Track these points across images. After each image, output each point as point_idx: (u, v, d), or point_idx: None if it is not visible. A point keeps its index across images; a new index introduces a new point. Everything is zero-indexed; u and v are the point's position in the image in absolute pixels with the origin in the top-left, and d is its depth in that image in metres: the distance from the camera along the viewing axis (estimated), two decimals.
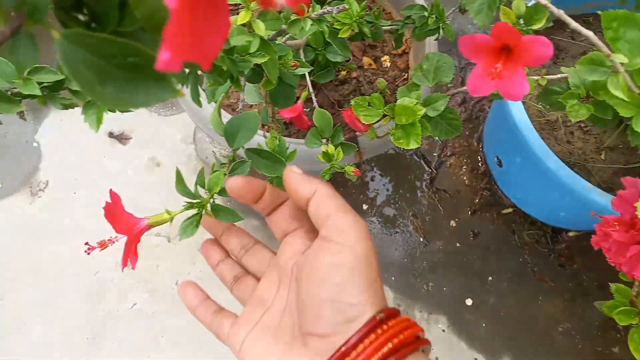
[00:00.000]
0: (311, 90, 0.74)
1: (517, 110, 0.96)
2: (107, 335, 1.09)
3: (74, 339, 1.08)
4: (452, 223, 1.24)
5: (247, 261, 0.45)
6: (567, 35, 1.15)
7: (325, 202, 0.36)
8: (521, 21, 0.44)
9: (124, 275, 1.13)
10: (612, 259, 0.65)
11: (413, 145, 0.65)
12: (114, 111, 0.44)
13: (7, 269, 1.10)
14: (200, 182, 0.42)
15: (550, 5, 0.40)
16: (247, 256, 0.45)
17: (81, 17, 0.22)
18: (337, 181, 1.25)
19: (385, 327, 0.33)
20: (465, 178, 1.29)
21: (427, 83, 0.69)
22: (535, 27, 0.43)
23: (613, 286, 0.71)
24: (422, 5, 0.76)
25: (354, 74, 0.97)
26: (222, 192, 0.43)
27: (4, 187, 1.18)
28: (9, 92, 0.38)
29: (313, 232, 0.40)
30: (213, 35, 0.17)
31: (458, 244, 1.22)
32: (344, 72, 0.96)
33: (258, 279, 0.44)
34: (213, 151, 1.26)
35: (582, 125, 1.04)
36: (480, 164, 1.30)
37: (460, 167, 1.31)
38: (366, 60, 0.98)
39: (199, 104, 0.36)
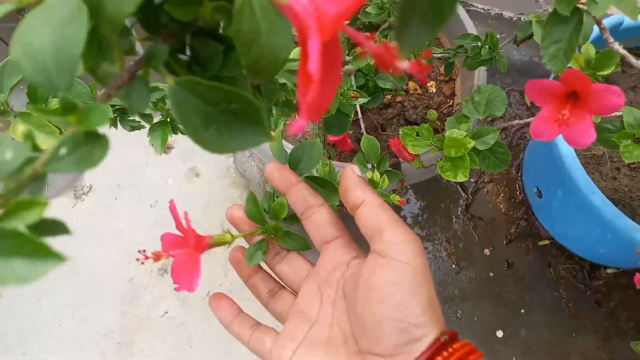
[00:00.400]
0: (360, 115, 0.75)
1: (563, 143, 0.94)
2: (137, 342, 1.10)
3: (105, 343, 1.10)
4: (486, 251, 1.22)
5: (281, 269, 0.43)
6: (618, 66, 1.13)
7: (376, 213, 0.35)
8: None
9: (158, 283, 1.14)
10: None
11: (461, 179, 0.64)
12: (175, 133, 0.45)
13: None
14: (268, 207, 0.43)
15: (628, 54, 0.40)
16: (282, 264, 0.43)
17: (183, 58, 0.23)
18: None
19: (450, 349, 0.32)
20: (502, 206, 1.27)
21: (478, 115, 0.69)
22: (605, 72, 0.43)
23: None
24: (476, 36, 0.76)
25: (399, 98, 0.97)
26: (289, 218, 0.43)
27: (50, 189, 1.21)
28: None
29: (353, 242, 0.40)
30: (331, 91, 0.18)
31: (491, 273, 1.20)
32: (388, 96, 0.96)
33: (294, 293, 0.43)
34: (260, 168, 1.27)
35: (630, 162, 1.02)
36: (518, 192, 1.28)
37: (497, 194, 1.29)
38: (412, 85, 0.98)
39: (271, 139, 0.37)
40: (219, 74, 0.22)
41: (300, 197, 0.40)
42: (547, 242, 1.23)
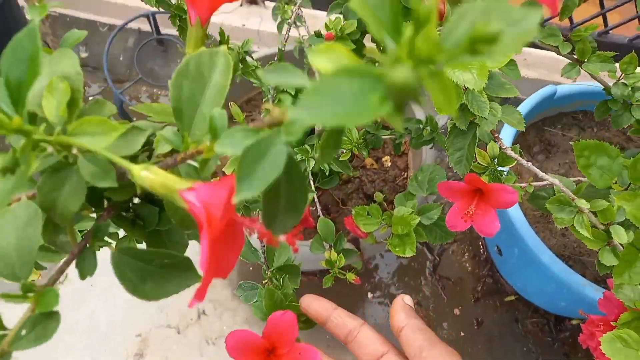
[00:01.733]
0: (315, 197, 0.80)
1: (512, 207, 1.01)
2: None
3: None
4: (456, 311, 1.26)
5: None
6: (558, 130, 1.22)
7: (416, 335, 0.40)
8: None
9: None
10: (598, 359, 0.68)
11: (409, 253, 0.70)
12: None
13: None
14: None
15: (519, 158, 0.47)
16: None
17: (127, 215, 0.28)
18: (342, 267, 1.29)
19: None
20: (467, 265, 1.33)
21: (421, 193, 0.75)
22: (507, 166, 0.49)
23: None
24: (418, 119, 0.83)
25: (357, 174, 1.04)
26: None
27: None
28: None
29: (402, 354, 0.43)
30: (233, 255, 0.23)
31: (462, 333, 1.24)
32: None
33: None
34: None
35: None
36: (481, 251, 1.34)
37: (462, 254, 1.34)
38: (368, 160, 1.05)
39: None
40: (157, 228, 0.27)
41: (341, 322, 0.44)
42: (512, 297, 1.27)
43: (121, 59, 1.53)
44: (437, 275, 1.31)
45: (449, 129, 0.46)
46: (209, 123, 0.19)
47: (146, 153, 0.28)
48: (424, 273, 1.31)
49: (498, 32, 0.12)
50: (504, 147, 0.47)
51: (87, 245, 0.24)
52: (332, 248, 0.75)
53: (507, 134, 1.13)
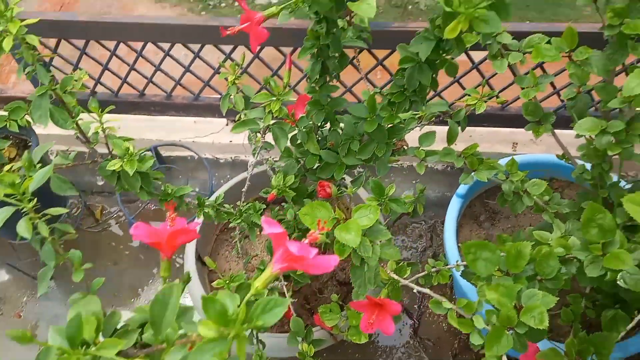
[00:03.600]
0: (287, 293, 0.99)
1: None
2: None
3: None
4: None
5: None
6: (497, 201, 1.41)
7: None
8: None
9: None
10: None
11: (364, 340, 0.88)
12: None
13: None
14: None
15: (398, 277, 0.66)
16: None
17: None
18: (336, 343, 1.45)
19: None
20: (443, 325, 1.49)
21: (370, 287, 0.94)
22: (404, 276, 0.69)
23: None
24: None
25: None
26: None
27: None
28: None
29: None
30: None
31: None
32: None
33: None
34: None
35: None
36: None
37: (439, 315, 1.51)
38: None
39: None
40: None
41: None
42: None
43: None
44: (419, 338, 1.47)
45: (350, 267, 0.66)
46: (165, 339, 0.39)
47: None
48: (405, 337, 1.47)
49: (263, 323, 0.32)
50: (389, 272, 0.66)
51: None
52: (304, 340, 0.94)
53: (454, 208, 1.33)
